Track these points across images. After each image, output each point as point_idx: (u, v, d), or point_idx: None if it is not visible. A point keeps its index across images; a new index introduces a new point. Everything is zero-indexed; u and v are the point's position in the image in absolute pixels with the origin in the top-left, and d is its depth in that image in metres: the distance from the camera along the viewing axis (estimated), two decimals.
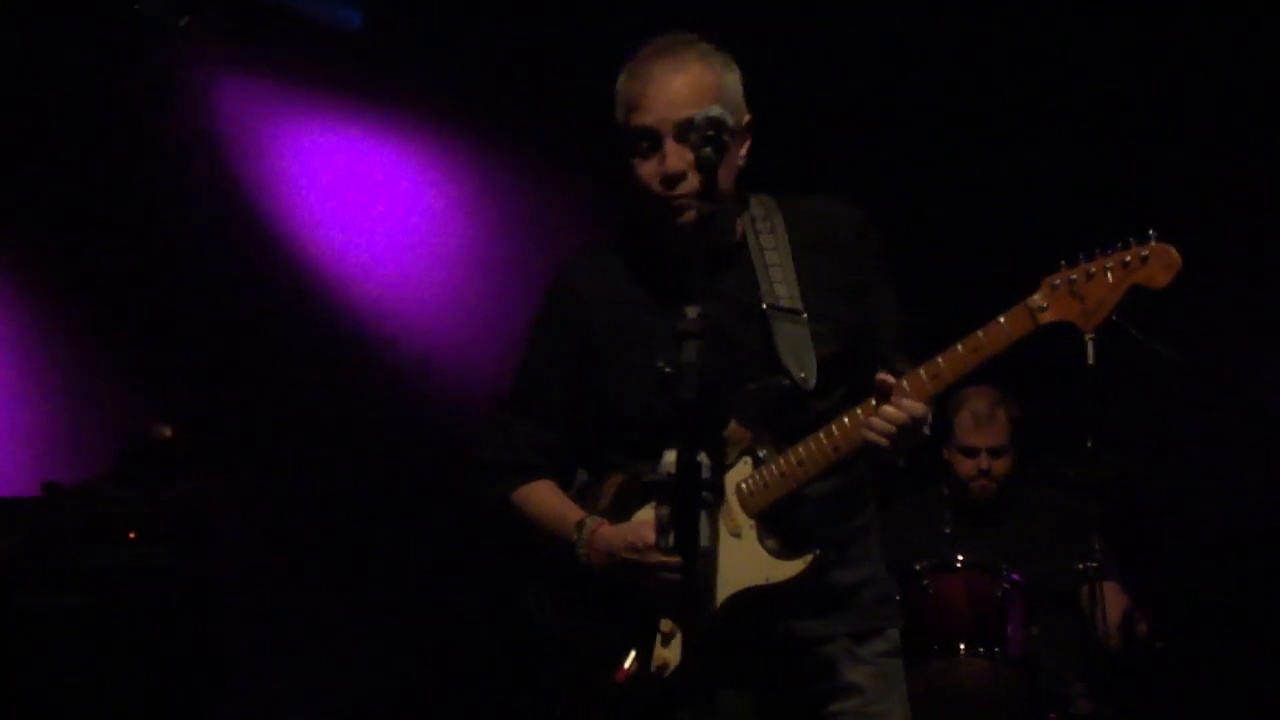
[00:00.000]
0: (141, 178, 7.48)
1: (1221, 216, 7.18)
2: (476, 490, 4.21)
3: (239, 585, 7.02)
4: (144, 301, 7.53)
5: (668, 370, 3.47)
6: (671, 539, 3.35)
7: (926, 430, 3.80)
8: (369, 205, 7.83)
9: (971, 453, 6.62)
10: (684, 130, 3.80)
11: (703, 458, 3.33)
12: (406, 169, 7.91)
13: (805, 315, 3.92)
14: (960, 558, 6.10)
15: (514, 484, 4.12)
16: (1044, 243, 3.91)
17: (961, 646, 5.95)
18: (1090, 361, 5.50)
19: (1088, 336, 5.58)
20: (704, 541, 3.33)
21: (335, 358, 7.70)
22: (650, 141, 3.86)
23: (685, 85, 3.85)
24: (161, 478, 6.62)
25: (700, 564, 3.78)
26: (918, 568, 6.04)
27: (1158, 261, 3.67)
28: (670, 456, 3.36)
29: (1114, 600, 6.38)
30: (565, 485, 4.13)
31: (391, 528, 7.54)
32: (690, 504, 3.32)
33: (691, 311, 3.36)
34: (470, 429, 7.03)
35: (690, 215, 3.84)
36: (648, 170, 3.86)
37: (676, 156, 3.83)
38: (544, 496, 4.10)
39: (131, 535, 6.50)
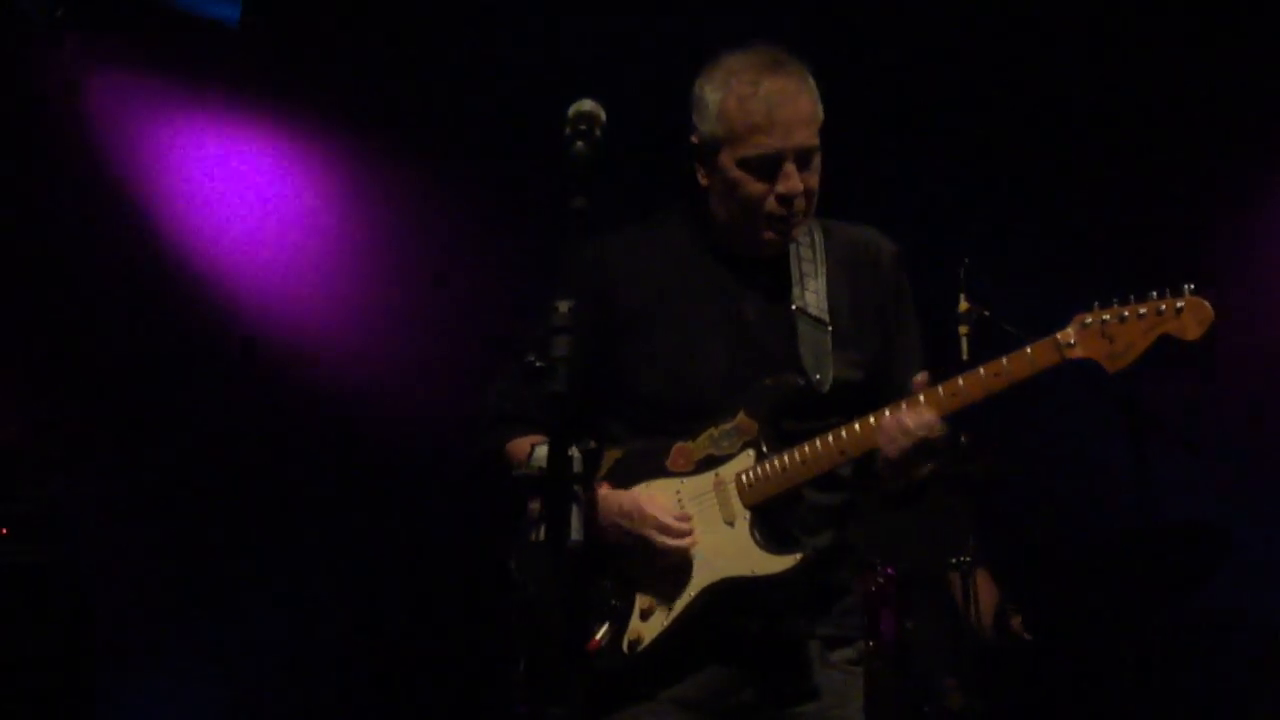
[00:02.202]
0: (12, 174, 7.36)
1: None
2: (474, 436, 4.18)
3: (109, 582, 6.96)
4: (14, 299, 7.42)
5: (538, 364, 3.47)
6: (542, 533, 3.34)
7: (937, 450, 3.83)
8: (244, 202, 7.77)
9: None
10: (805, 156, 3.92)
11: (574, 452, 3.35)
12: (283, 166, 7.86)
13: (830, 328, 3.99)
14: None
15: (511, 435, 4.09)
16: (1073, 284, 3.94)
17: None
18: (965, 357, 5.60)
19: (962, 330, 5.71)
20: (574, 536, 3.34)
21: (209, 354, 7.63)
22: (769, 165, 3.91)
23: (806, 111, 3.94)
24: (29, 476, 6.55)
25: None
26: None
27: (1192, 315, 3.72)
28: (542, 450, 3.36)
29: (985, 588, 6.46)
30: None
31: (262, 522, 7.49)
32: (561, 498, 3.32)
33: (562, 305, 3.38)
34: (346, 424, 7.10)
35: (797, 234, 3.98)
36: (759, 189, 3.91)
37: (797, 180, 3.91)
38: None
39: (3, 531, 6.43)
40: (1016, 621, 6.36)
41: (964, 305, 5.74)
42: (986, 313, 5.73)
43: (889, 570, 6.10)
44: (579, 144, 3.60)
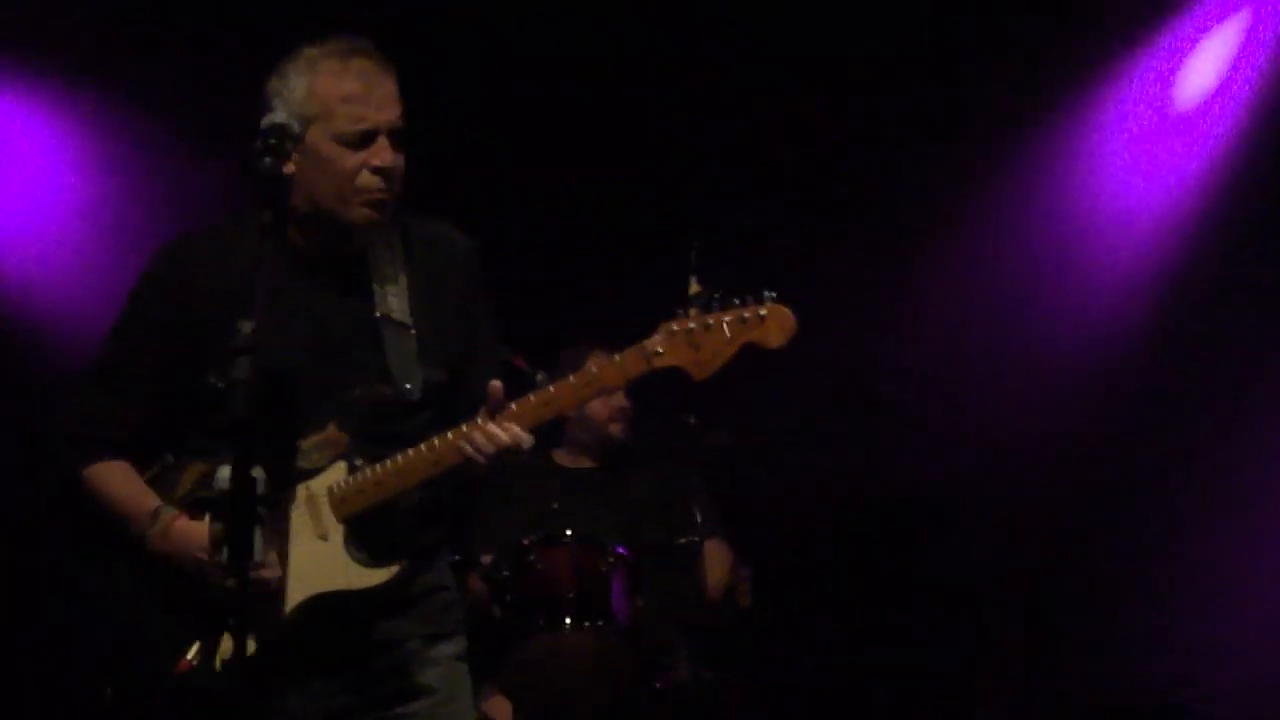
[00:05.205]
0: None
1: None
2: (48, 462, 4.09)
3: None
4: None
5: (220, 385, 3.45)
6: (225, 554, 3.34)
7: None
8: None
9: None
10: (398, 135, 3.87)
11: (258, 472, 3.35)
12: (34, 130, 7.61)
13: (414, 332, 3.97)
14: (568, 532, 6.18)
15: (87, 459, 4.00)
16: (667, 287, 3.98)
17: (567, 620, 6.02)
18: None
19: None
20: (257, 557, 3.34)
21: None
22: (364, 136, 3.84)
23: (394, 91, 3.90)
24: None
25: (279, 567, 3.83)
26: (525, 542, 6.12)
27: (774, 322, 3.79)
28: (225, 471, 3.35)
29: (718, 556, 6.57)
30: (147, 464, 4.03)
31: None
32: (244, 520, 3.32)
33: (245, 326, 3.37)
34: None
35: (388, 212, 3.91)
36: (354, 161, 3.84)
37: (391, 154, 3.86)
38: (117, 476, 3.99)
39: None
40: (742, 589, 6.47)
41: (695, 288, 5.76)
42: (717, 295, 5.77)
43: (619, 549, 6.16)
44: (268, 159, 3.61)
